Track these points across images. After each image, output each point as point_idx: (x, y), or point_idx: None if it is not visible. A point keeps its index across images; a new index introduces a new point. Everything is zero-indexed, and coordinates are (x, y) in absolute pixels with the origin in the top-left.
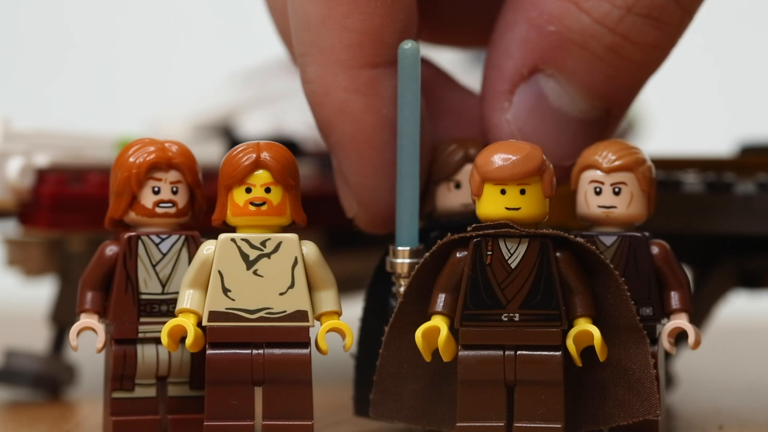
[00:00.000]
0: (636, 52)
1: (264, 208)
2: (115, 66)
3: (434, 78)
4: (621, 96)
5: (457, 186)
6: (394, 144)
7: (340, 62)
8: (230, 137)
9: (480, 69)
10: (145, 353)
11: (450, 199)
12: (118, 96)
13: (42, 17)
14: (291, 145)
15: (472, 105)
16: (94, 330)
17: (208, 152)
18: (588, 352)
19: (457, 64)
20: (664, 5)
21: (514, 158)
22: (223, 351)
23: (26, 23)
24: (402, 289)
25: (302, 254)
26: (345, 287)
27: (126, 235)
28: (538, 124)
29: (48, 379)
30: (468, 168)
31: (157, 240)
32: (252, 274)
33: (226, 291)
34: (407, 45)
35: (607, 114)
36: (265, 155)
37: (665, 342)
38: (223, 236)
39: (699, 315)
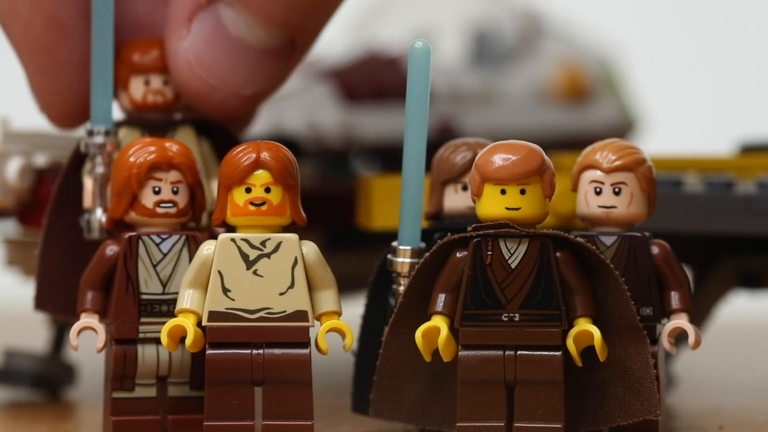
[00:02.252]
0: None
1: (264, 208)
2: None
3: None
4: (303, 24)
5: (464, 188)
6: (67, 44)
7: None
8: None
9: (481, 68)
10: (146, 353)
11: (457, 200)
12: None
13: None
14: (291, 145)
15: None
16: (94, 330)
17: None
18: (588, 352)
19: (458, 63)
20: None
21: (514, 158)
22: (223, 351)
23: None
24: (402, 289)
25: (302, 254)
26: (345, 287)
27: (126, 235)
28: (216, 53)
29: (48, 379)
30: None
31: (157, 240)
32: (252, 274)
33: (226, 291)
34: (418, 44)
35: (291, 43)
36: (265, 155)
37: (665, 342)
38: (222, 236)
39: (699, 315)
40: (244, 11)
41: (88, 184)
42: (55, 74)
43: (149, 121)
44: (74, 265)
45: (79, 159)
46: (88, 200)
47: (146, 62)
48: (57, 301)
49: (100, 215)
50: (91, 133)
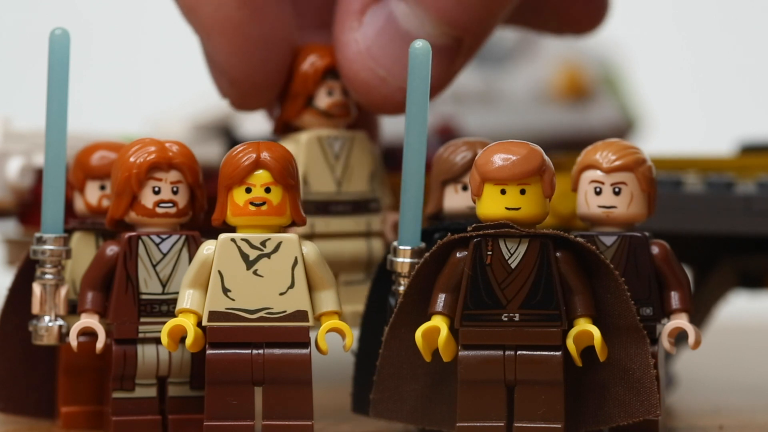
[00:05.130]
0: None
1: (264, 208)
2: (116, 66)
3: None
4: (472, 24)
5: (465, 188)
6: (258, 21)
7: None
8: (230, 137)
9: (481, 68)
10: (146, 353)
11: (457, 200)
12: (119, 96)
13: (41, 17)
14: None
15: None
16: (94, 330)
17: (208, 152)
18: (588, 352)
19: None
20: None
21: (514, 158)
22: (223, 351)
23: (26, 23)
24: (402, 289)
25: (302, 254)
26: None
27: (126, 235)
28: (386, 45)
29: None
30: None
31: (157, 240)
32: (252, 274)
33: (226, 291)
34: (418, 44)
35: (458, 43)
36: (265, 155)
37: (665, 342)
38: (223, 236)
39: (699, 315)
40: (416, 6)
41: (37, 290)
42: (246, 53)
43: (104, 225)
44: (27, 365)
45: (32, 263)
46: (36, 306)
47: (103, 167)
48: (9, 399)
49: (47, 322)
50: (40, 240)
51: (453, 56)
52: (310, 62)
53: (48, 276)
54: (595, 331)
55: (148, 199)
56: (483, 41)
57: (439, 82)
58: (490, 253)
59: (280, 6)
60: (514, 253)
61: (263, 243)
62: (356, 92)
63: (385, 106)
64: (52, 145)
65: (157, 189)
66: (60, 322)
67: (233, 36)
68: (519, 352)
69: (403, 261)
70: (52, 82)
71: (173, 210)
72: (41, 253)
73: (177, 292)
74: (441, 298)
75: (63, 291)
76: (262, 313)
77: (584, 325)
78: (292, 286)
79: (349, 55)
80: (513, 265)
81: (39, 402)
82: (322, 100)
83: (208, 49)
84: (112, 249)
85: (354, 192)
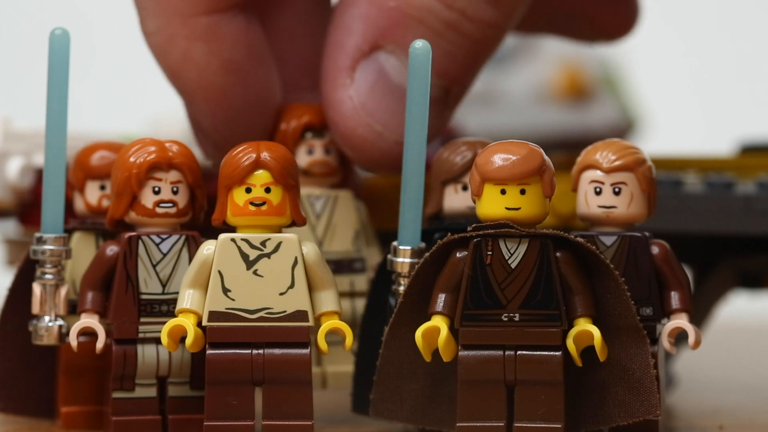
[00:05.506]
0: (473, 29)
1: (264, 208)
2: (116, 66)
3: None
4: (460, 74)
5: (465, 188)
6: (241, 86)
7: (177, 12)
8: None
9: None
10: (146, 353)
11: (457, 201)
12: (119, 96)
13: (42, 18)
14: None
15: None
16: (94, 330)
17: None
18: (588, 352)
19: None
20: None
21: (514, 158)
22: (223, 351)
23: (26, 23)
24: (402, 289)
25: (302, 254)
26: None
27: (126, 235)
28: (380, 100)
29: None
30: None
31: (157, 240)
32: (252, 274)
33: (226, 291)
34: (418, 44)
35: (446, 93)
36: (265, 155)
37: (665, 342)
38: (223, 236)
39: (699, 315)
40: (406, 59)
41: (37, 290)
42: (230, 118)
43: (104, 225)
44: (27, 365)
45: (32, 263)
46: (36, 306)
47: (103, 167)
48: (9, 399)
49: (47, 322)
50: (40, 240)
51: (443, 107)
52: (289, 121)
53: (48, 276)
54: (595, 331)
55: (148, 199)
56: (468, 90)
57: (432, 131)
58: (490, 253)
59: (263, 70)
60: (514, 253)
61: (263, 243)
62: (352, 149)
63: (383, 162)
64: (52, 145)
65: (157, 189)
66: (60, 322)
67: (217, 102)
68: (519, 352)
69: (403, 261)
70: (52, 82)
71: (173, 210)
72: (41, 253)
73: (177, 292)
74: (441, 298)
75: (63, 291)
76: (262, 313)
77: (584, 325)
78: (292, 286)
79: (345, 113)
80: (513, 265)
81: (39, 402)
82: (302, 159)
83: (192, 113)
84: (112, 249)
85: (337, 251)
